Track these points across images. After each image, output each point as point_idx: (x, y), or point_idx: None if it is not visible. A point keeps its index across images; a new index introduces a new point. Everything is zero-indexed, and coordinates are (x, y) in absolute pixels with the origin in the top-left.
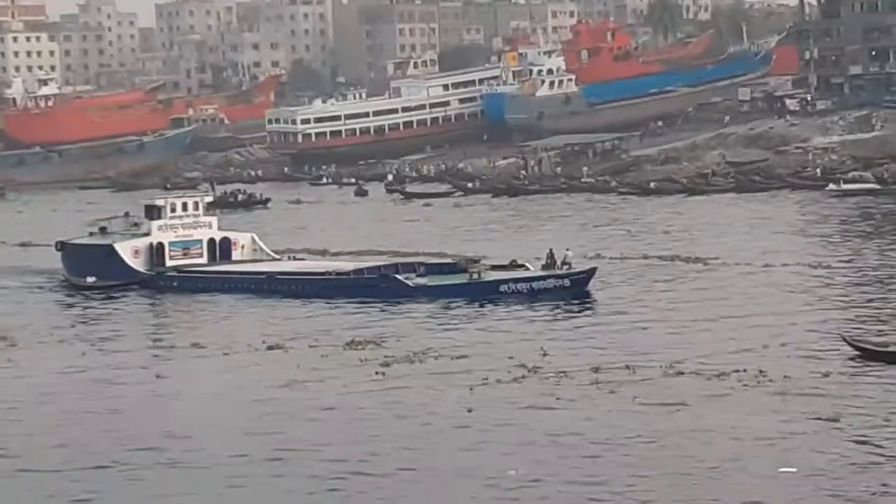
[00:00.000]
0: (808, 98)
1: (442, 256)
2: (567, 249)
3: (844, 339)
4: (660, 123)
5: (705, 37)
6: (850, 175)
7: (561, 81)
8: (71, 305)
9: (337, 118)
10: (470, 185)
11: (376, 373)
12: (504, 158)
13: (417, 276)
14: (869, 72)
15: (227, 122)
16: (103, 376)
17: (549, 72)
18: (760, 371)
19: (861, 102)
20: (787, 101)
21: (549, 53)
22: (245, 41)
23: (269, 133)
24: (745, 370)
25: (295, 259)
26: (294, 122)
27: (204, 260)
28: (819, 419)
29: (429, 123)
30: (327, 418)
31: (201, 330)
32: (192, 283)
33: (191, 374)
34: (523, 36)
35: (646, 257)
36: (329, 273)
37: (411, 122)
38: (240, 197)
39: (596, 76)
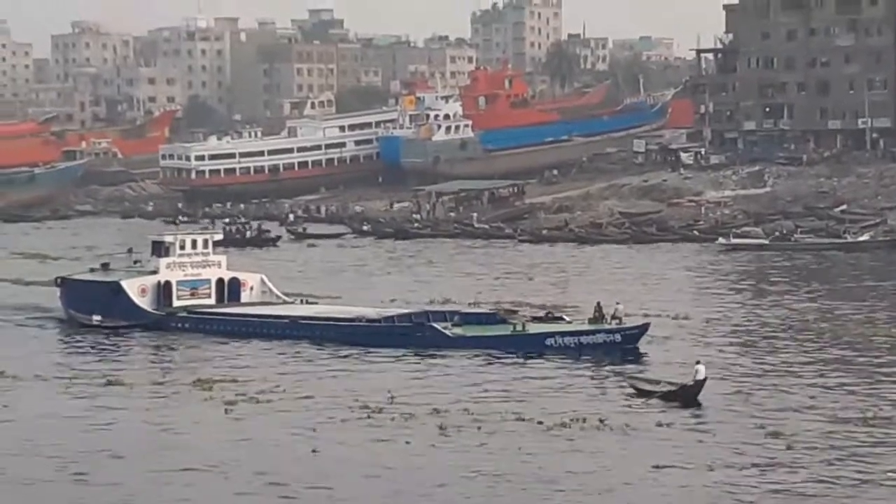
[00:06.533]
0: (702, 152)
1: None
2: (618, 303)
3: (627, 381)
4: (555, 172)
5: (602, 87)
6: (741, 230)
7: (457, 127)
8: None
9: (231, 156)
10: (365, 227)
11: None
12: (398, 202)
13: (453, 325)
14: (762, 128)
15: (120, 156)
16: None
17: (446, 117)
18: (601, 420)
19: (754, 158)
20: (682, 154)
21: (446, 98)
22: (141, 75)
23: (162, 168)
24: (584, 419)
25: (308, 303)
26: (188, 158)
27: (212, 300)
28: (656, 467)
29: (324, 164)
30: (177, 457)
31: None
32: (208, 326)
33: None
34: (421, 80)
35: (497, 302)
36: (360, 319)
37: (306, 162)
38: (248, 234)
39: (493, 122)
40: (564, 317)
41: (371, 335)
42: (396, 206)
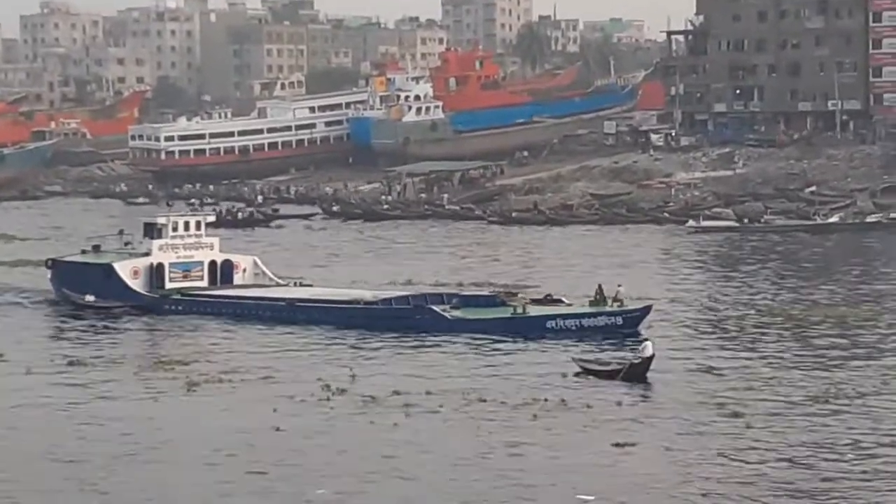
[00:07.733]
0: (673, 133)
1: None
2: (619, 285)
3: (574, 360)
4: (525, 153)
5: (573, 69)
6: (711, 211)
7: (428, 108)
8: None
9: (201, 136)
10: (335, 208)
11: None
12: (368, 183)
13: (452, 308)
14: (733, 110)
15: (89, 136)
16: None
17: (417, 98)
18: (562, 400)
19: (724, 140)
20: (652, 136)
21: (416, 79)
22: (110, 56)
23: (131, 149)
24: (546, 399)
25: (302, 285)
26: (157, 139)
27: (204, 283)
28: (617, 445)
29: (294, 145)
30: (138, 438)
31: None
32: (200, 308)
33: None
34: (392, 61)
35: (461, 285)
36: (357, 302)
37: (276, 143)
38: (240, 215)
39: (463, 104)
40: (564, 299)
41: (368, 318)
42: (365, 187)
